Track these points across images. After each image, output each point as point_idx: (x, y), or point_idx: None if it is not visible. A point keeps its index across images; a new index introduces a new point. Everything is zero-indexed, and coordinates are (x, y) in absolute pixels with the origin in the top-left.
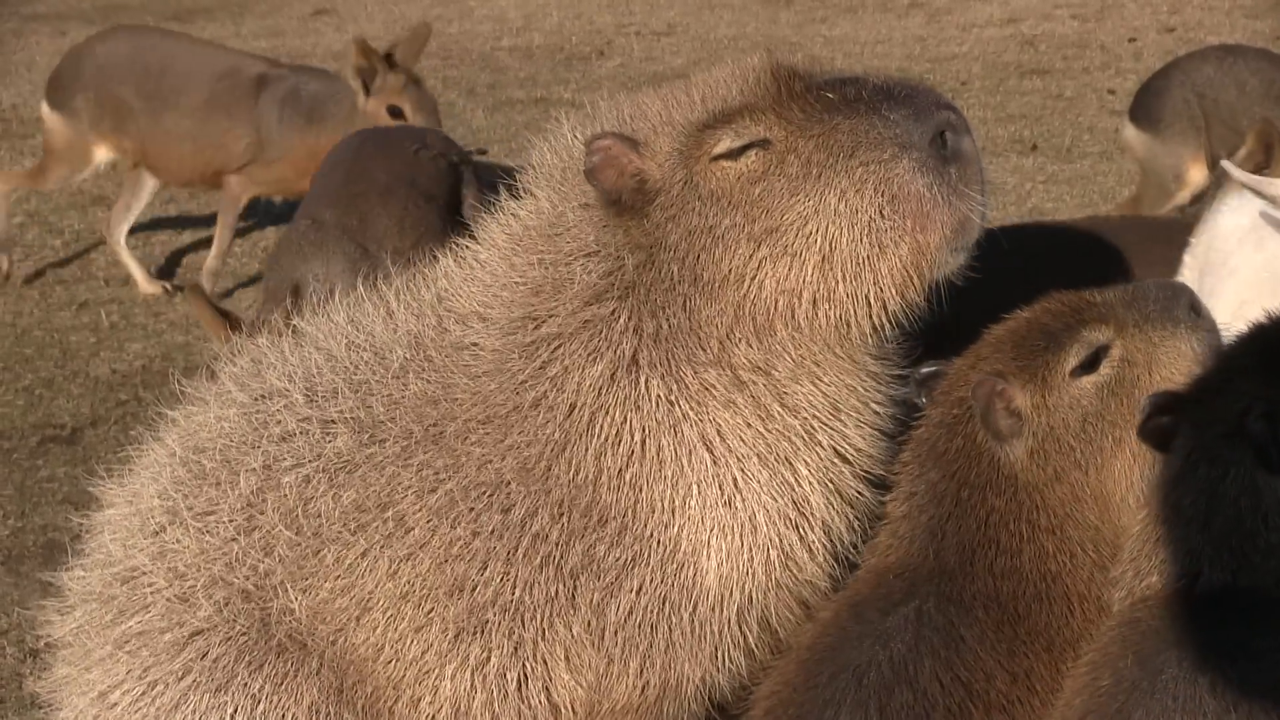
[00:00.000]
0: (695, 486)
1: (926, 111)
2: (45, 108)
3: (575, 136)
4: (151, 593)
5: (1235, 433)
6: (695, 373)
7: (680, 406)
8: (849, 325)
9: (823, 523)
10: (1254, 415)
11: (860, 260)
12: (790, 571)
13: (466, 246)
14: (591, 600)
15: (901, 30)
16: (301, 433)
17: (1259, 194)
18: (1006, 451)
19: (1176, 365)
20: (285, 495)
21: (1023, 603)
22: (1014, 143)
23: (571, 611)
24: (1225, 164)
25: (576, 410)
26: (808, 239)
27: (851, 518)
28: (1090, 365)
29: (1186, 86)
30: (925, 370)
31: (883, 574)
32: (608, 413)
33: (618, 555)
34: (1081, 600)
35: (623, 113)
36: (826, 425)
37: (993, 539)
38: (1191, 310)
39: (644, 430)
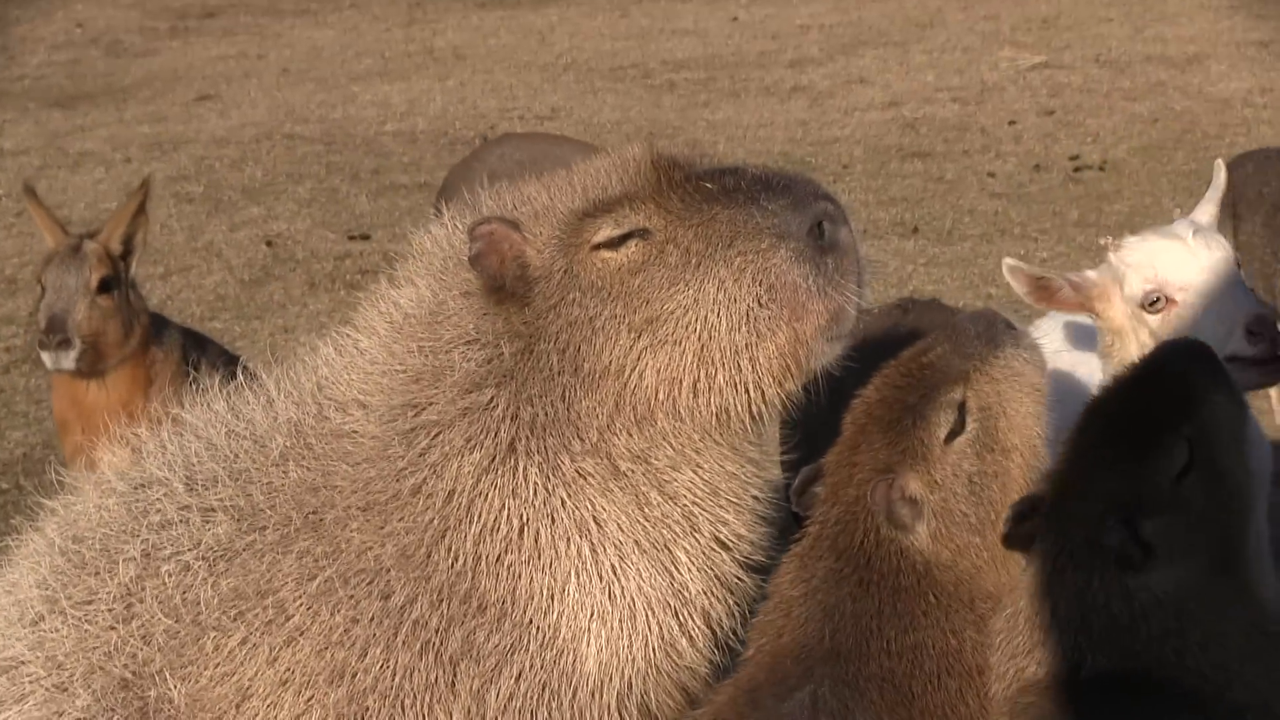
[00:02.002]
0: (573, 574)
1: (805, 201)
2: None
3: (456, 226)
4: (30, 682)
5: (1093, 542)
6: (572, 461)
7: (558, 494)
8: (728, 414)
9: (702, 609)
10: (1109, 525)
11: (739, 349)
12: (670, 658)
13: (347, 334)
14: (471, 687)
15: (784, 114)
16: (181, 521)
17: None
18: (911, 539)
19: (1022, 390)
20: (164, 583)
21: (918, 681)
22: (895, 225)
23: (452, 698)
24: (1007, 261)
25: (455, 497)
26: (687, 328)
27: (731, 604)
28: (959, 427)
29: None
30: (799, 479)
31: (778, 656)
32: (486, 499)
33: (497, 642)
34: (981, 674)
35: (504, 199)
36: (706, 512)
37: (897, 613)
38: (1008, 329)
39: (522, 517)
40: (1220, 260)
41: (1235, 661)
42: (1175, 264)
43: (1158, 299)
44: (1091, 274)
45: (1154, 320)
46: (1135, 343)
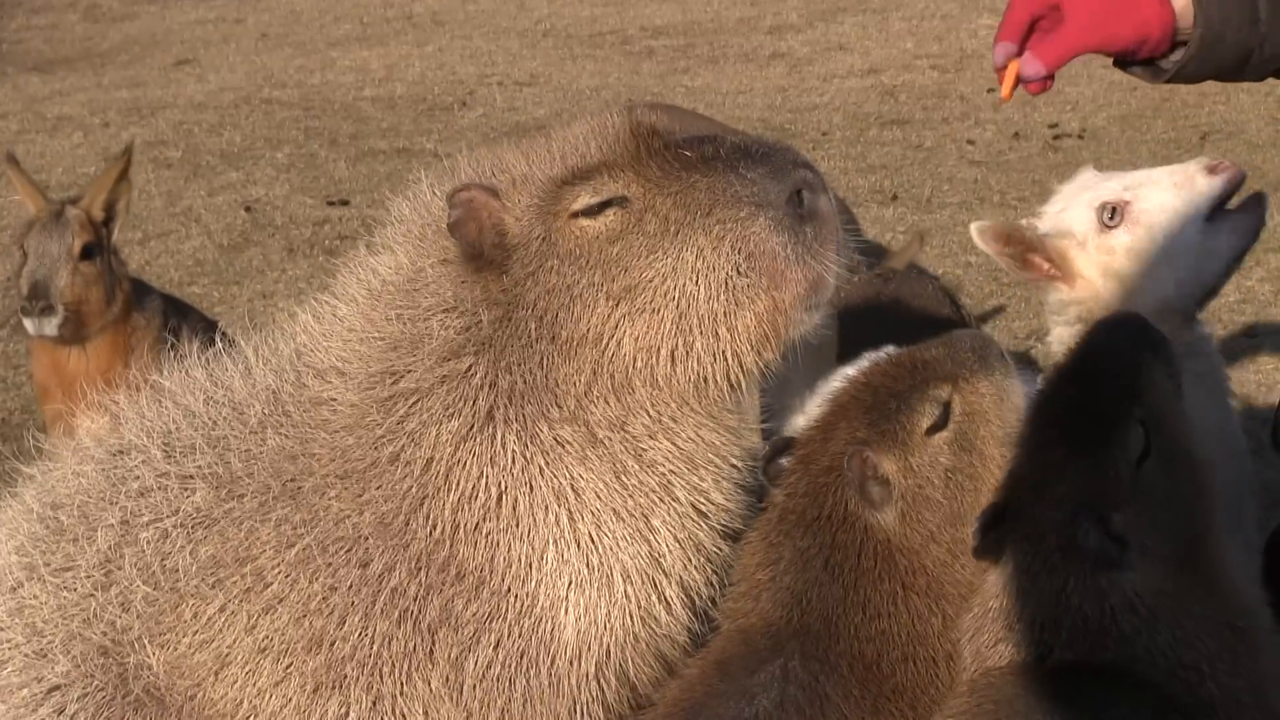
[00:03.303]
0: (551, 542)
1: (784, 170)
2: None
3: (435, 192)
4: (9, 648)
5: (1069, 545)
6: (550, 429)
7: (536, 462)
8: (706, 382)
9: (679, 578)
10: (1084, 526)
11: (717, 317)
12: (648, 626)
13: (325, 301)
14: (450, 654)
15: (763, 81)
16: (159, 488)
17: None
18: (879, 518)
19: (1005, 409)
20: (143, 550)
21: (887, 663)
22: (874, 193)
23: (430, 666)
24: (975, 225)
25: (433, 465)
26: (666, 296)
27: (710, 572)
28: (941, 423)
29: None
30: (768, 449)
31: (748, 632)
32: (464, 468)
33: (475, 610)
34: (948, 660)
35: (483, 166)
36: (684, 480)
37: (861, 602)
38: (1001, 358)
39: (500, 485)
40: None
41: (1206, 661)
42: (1099, 180)
43: (1113, 209)
44: (1050, 241)
45: (1121, 234)
46: (1115, 282)
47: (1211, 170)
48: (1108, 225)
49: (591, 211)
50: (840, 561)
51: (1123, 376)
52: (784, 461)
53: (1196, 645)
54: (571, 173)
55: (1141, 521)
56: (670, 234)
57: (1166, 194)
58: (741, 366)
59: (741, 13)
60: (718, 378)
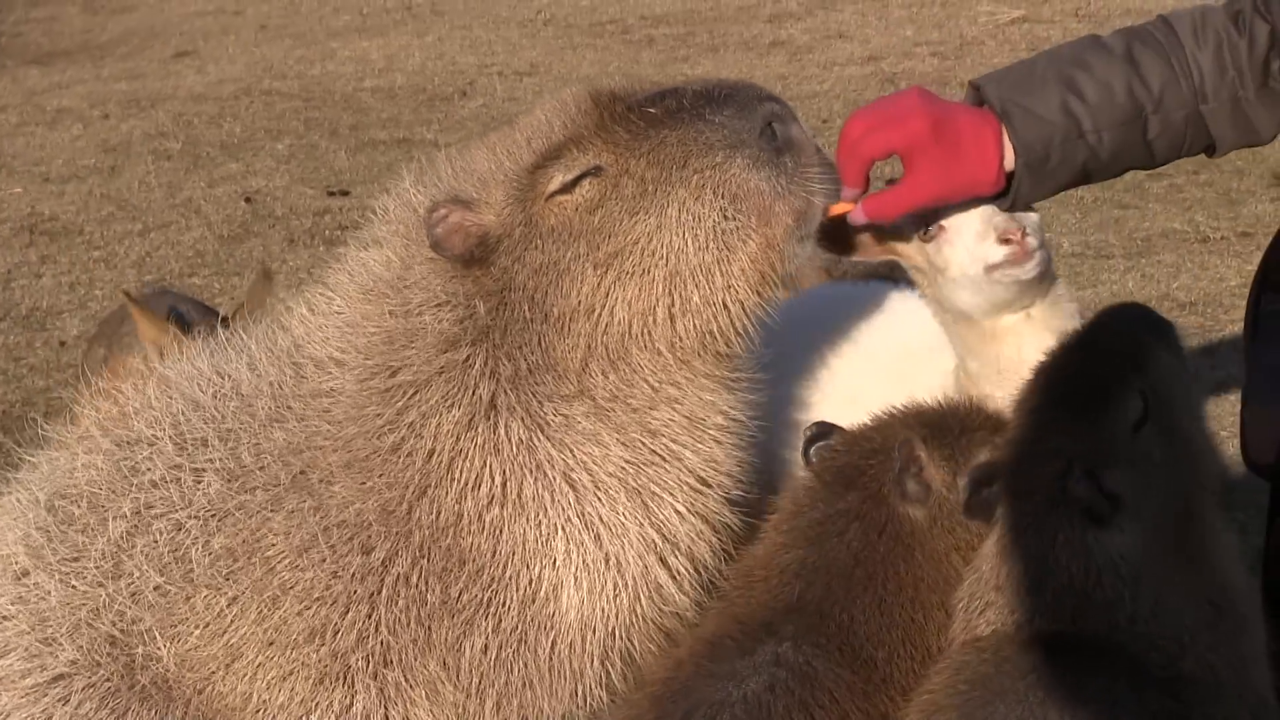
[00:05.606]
0: (558, 526)
1: (750, 106)
2: None
3: (418, 190)
4: (14, 635)
5: (1058, 499)
6: (556, 409)
7: (542, 446)
8: (712, 334)
9: (687, 550)
10: (1075, 477)
11: (709, 267)
12: (655, 604)
13: (320, 293)
14: (447, 638)
15: (763, 68)
16: (173, 480)
17: None
18: (907, 510)
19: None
20: (155, 541)
21: (882, 650)
22: (875, 180)
23: (429, 650)
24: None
25: (435, 456)
26: (654, 255)
27: (715, 542)
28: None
29: None
30: (807, 435)
31: (750, 607)
32: (466, 458)
33: (474, 594)
34: (940, 655)
35: (455, 167)
36: (688, 446)
37: (868, 579)
38: None
39: (504, 473)
40: None
41: (1187, 633)
42: None
43: (927, 228)
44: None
45: (931, 249)
46: (931, 273)
47: (1003, 239)
48: (923, 239)
49: (567, 188)
50: (857, 538)
51: (1124, 348)
52: (822, 444)
53: (1178, 616)
54: (540, 156)
55: (1134, 485)
56: (649, 193)
57: (967, 240)
58: (745, 310)
59: (741, 1)
60: (722, 327)
